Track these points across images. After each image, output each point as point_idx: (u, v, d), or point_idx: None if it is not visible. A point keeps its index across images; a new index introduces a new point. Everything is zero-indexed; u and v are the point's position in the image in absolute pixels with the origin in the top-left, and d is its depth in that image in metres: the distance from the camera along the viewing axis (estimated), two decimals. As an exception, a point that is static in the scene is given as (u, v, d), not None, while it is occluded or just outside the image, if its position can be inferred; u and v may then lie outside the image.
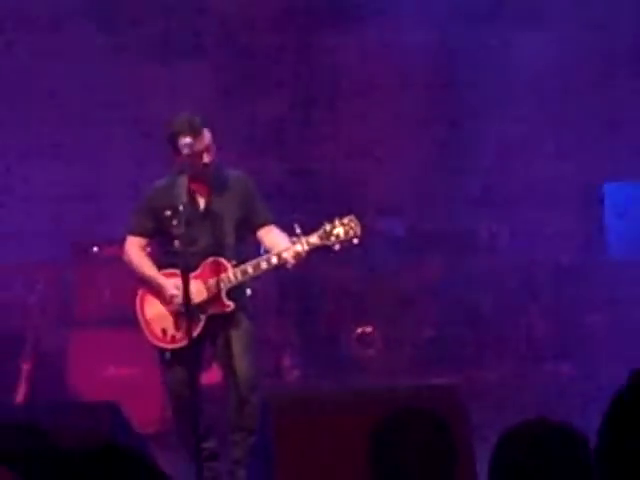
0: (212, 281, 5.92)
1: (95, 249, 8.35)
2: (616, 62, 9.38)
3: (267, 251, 5.93)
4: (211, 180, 6.01)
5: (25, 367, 8.07)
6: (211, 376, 6.36)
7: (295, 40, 9.60)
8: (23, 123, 9.14)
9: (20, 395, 7.93)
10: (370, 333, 8.90)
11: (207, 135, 5.91)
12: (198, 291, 5.87)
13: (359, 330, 8.89)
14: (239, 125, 8.47)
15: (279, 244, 5.86)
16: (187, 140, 5.83)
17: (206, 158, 5.90)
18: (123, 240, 6.25)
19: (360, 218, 5.96)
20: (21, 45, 9.29)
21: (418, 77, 9.43)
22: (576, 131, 9.02)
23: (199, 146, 5.86)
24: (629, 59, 9.46)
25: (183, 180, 5.93)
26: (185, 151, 5.82)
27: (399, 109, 9.42)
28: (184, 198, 5.88)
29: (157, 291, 6.02)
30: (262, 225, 6.02)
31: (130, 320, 6.28)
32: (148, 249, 6.15)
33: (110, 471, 2.07)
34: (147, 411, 6.81)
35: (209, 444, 6.00)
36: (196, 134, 5.85)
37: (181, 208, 5.79)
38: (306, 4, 9.66)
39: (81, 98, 9.11)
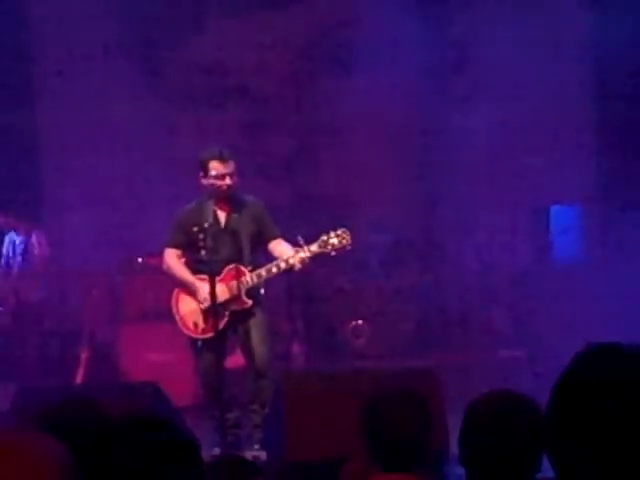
0: (233, 283, 5.93)
1: (140, 260, 8.39)
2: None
3: (276, 259, 5.95)
4: (231, 203, 6.04)
5: (83, 355, 8.08)
6: (234, 360, 6.35)
7: (298, 89, 9.58)
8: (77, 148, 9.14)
9: (79, 377, 7.94)
10: (361, 326, 8.88)
11: (232, 164, 5.94)
12: (222, 292, 5.89)
13: (352, 323, 8.88)
14: (255, 159, 8.44)
15: (285, 253, 5.90)
16: (216, 164, 5.89)
17: (229, 181, 5.92)
18: (161, 253, 6.27)
19: (351, 231, 5.99)
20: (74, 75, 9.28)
21: (397, 118, 9.40)
22: (527, 167, 9.00)
23: (225, 170, 5.89)
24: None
25: (209, 203, 5.99)
26: (213, 173, 5.87)
27: (383, 145, 9.40)
28: (209, 217, 5.92)
29: (191, 292, 6.03)
30: (272, 238, 6.05)
31: (167, 316, 6.30)
32: (182, 259, 6.16)
33: (148, 437, 2.06)
34: (182, 388, 6.80)
35: (232, 414, 6.04)
36: (224, 161, 5.91)
37: (206, 225, 5.84)
38: (306, 59, 9.65)
39: (140, 135, 9.11)
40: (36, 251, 8.58)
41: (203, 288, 5.92)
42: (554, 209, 9.09)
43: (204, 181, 5.97)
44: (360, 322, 8.89)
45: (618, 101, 8.98)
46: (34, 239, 8.59)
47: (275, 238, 6.04)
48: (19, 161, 9.01)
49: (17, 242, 8.65)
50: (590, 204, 9.17)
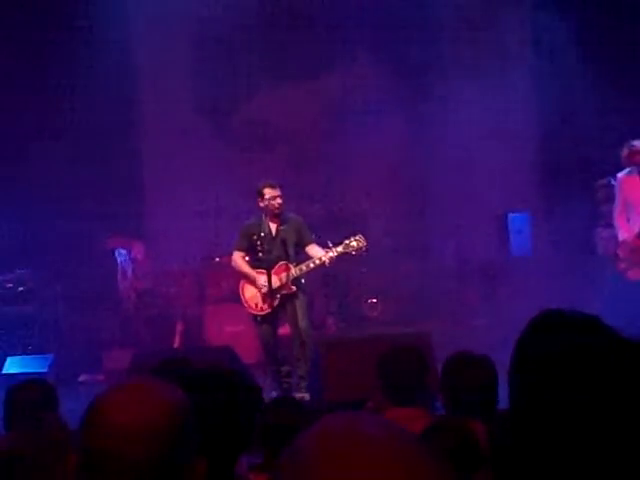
0: (283, 275, 5.94)
1: (217, 259, 8.41)
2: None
3: (311, 258, 5.96)
4: (279, 218, 6.04)
5: (178, 327, 8.11)
6: (284, 330, 6.36)
7: (325, 137, 9.59)
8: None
9: (176, 343, 7.97)
10: (375, 303, 8.86)
11: (279, 190, 5.95)
12: (275, 281, 5.90)
13: (369, 301, 8.86)
14: (293, 188, 8.43)
15: (318, 253, 5.90)
16: (269, 190, 5.90)
17: (279, 201, 5.93)
18: (231, 254, 6.31)
19: (365, 237, 5.99)
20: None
21: (395, 155, 9.41)
22: (491, 186, 8.91)
23: (275, 194, 5.90)
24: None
25: (264, 219, 5.99)
26: (267, 196, 5.89)
27: (385, 175, 9.43)
28: (265, 229, 5.94)
29: (252, 281, 6.04)
30: (308, 243, 6.05)
31: (237, 299, 6.32)
32: (246, 258, 6.18)
33: (227, 383, 2.07)
34: (249, 350, 6.81)
35: (284, 368, 6.04)
36: (274, 187, 5.91)
37: (262, 235, 5.86)
38: (330, 115, 9.67)
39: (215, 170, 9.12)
40: (139, 257, 8.62)
41: (261, 278, 5.94)
42: (511, 216, 8.98)
43: (261, 204, 5.98)
44: (374, 300, 8.88)
45: (558, 142, 8.89)
46: (135, 249, 8.61)
47: (310, 243, 6.06)
48: (130, 189, 9.08)
49: (123, 255, 8.68)
50: (536, 212, 9.10)
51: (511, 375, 1.36)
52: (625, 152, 6.75)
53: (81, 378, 7.50)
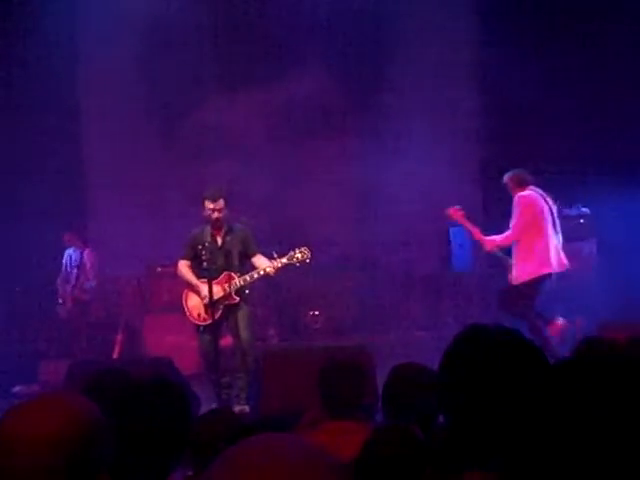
0: (226, 285, 5.88)
1: (160, 269, 8.30)
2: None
3: (256, 269, 5.92)
4: (223, 228, 5.99)
5: (118, 337, 7.97)
6: (226, 341, 6.29)
7: (275, 145, 9.59)
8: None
9: (115, 353, 7.83)
10: (318, 315, 8.85)
11: (220, 202, 5.87)
12: (218, 291, 5.83)
13: (311, 313, 8.84)
14: (240, 195, 8.37)
15: (263, 264, 5.86)
16: (208, 202, 5.85)
17: (217, 214, 5.86)
18: (175, 263, 6.24)
19: (309, 247, 5.99)
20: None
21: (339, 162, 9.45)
22: (433, 202, 9.01)
23: (213, 207, 5.85)
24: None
25: (208, 228, 5.93)
26: (206, 208, 5.85)
27: (332, 184, 9.46)
28: (209, 238, 5.88)
29: (195, 291, 5.97)
30: (253, 254, 6.00)
31: (178, 309, 6.24)
32: (190, 268, 6.11)
33: (160, 393, 2.04)
34: (189, 361, 6.71)
35: (225, 379, 5.95)
36: (214, 200, 5.84)
37: (206, 244, 5.80)
38: (282, 122, 9.67)
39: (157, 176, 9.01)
40: (88, 265, 8.46)
41: (204, 288, 5.88)
42: (452, 230, 9.03)
43: (203, 213, 5.94)
44: (317, 312, 8.86)
45: (501, 158, 9.00)
46: (86, 255, 8.48)
47: (256, 254, 6.02)
48: (74, 195, 8.91)
49: (73, 256, 8.54)
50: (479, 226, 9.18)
51: (439, 383, 1.45)
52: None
53: (15, 389, 7.29)
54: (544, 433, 1.03)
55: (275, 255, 5.87)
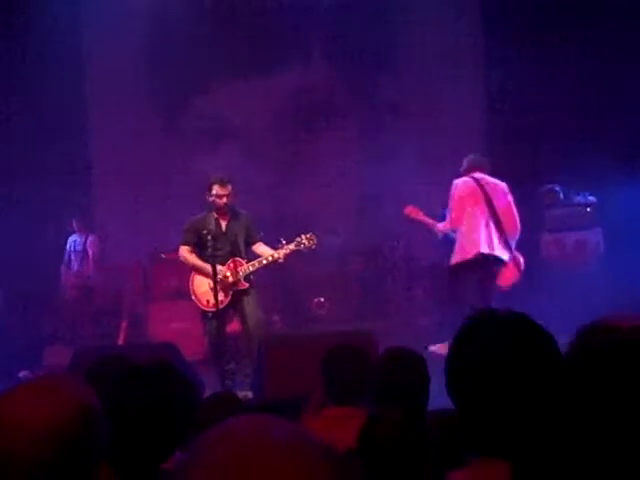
0: (235, 271, 5.88)
1: (164, 255, 8.29)
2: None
3: (258, 257, 5.91)
4: (228, 214, 5.98)
5: (123, 324, 7.99)
6: (231, 327, 6.29)
7: (279, 134, 9.58)
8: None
9: (120, 340, 7.85)
10: (323, 302, 8.86)
11: (229, 187, 5.87)
12: (228, 277, 5.85)
13: (316, 300, 8.85)
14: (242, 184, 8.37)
15: (265, 252, 5.87)
16: (217, 187, 5.83)
17: (225, 200, 5.86)
18: (177, 249, 6.21)
19: (316, 235, 5.99)
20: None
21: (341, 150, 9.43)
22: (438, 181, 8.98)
23: (222, 192, 5.83)
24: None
25: (212, 214, 5.92)
26: (214, 193, 5.83)
27: (335, 171, 9.45)
28: (213, 224, 5.86)
29: (205, 274, 5.94)
30: (255, 242, 6.02)
31: (182, 295, 6.24)
32: (193, 253, 6.10)
33: (163, 377, 2.04)
34: (193, 348, 6.71)
35: (230, 366, 5.95)
36: (223, 185, 5.84)
37: (212, 229, 5.79)
38: (284, 113, 9.64)
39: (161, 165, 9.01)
40: (90, 251, 8.49)
41: (212, 271, 5.87)
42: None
43: (209, 198, 5.92)
44: (322, 299, 8.87)
45: (507, 142, 8.97)
46: (89, 242, 8.50)
47: (257, 242, 6.04)
48: (78, 183, 8.92)
49: (77, 242, 8.56)
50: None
51: (447, 371, 1.42)
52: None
53: (21, 374, 7.32)
54: (558, 422, 1.01)
55: (283, 241, 5.86)
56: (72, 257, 8.51)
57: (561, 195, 8.39)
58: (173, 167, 9.01)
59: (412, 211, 6.94)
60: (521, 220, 7.59)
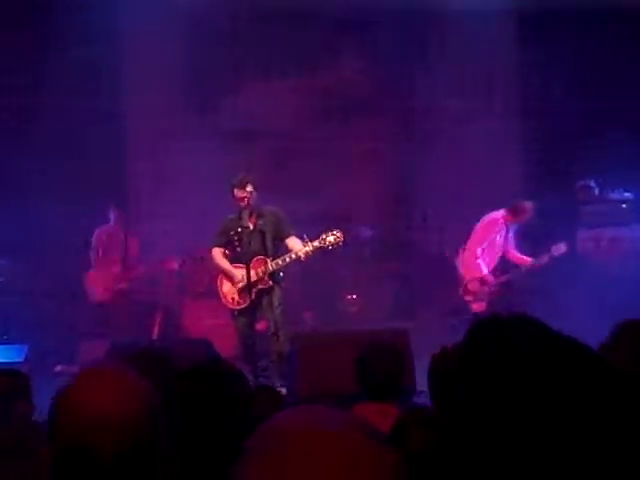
0: (259, 269, 5.91)
1: (199, 255, 8.31)
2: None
3: (290, 251, 5.92)
4: (256, 213, 6.00)
5: (157, 319, 8.06)
6: (261, 325, 6.31)
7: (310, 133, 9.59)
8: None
9: (155, 334, 7.93)
10: (354, 299, 8.85)
11: (248, 188, 5.88)
12: (251, 275, 5.87)
13: (348, 297, 8.84)
14: (276, 183, 8.36)
15: (296, 247, 5.87)
16: (236, 190, 5.88)
17: (246, 201, 5.89)
18: (210, 250, 6.27)
19: (347, 233, 5.99)
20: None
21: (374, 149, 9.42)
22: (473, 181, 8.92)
23: (241, 194, 5.86)
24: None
25: (243, 213, 5.95)
26: (235, 195, 5.88)
27: (368, 171, 9.44)
28: (243, 223, 5.91)
29: (230, 277, 6.01)
30: (287, 236, 6.02)
31: (214, 293, 6.28)
32: (225, 252, 6.14)
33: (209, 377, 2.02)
34: (227, 344, 6.73)
35: (262, 363, 5.99)
36: (241, 187, 5.86)
37: (239, 229, 5.85)
38: (315, 113, 9.64)
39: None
40: (132, 253, 8.47)
41: (239, 273, 5.93)
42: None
43: (234, 201, 5.98)
44: (354, 296, 8.86)
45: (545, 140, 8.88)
46: (130, 243, 8.44)
47: (290, 236, 6.02)
48: (114, 182, 8.99)
49: (112, 238, 8.50)
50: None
51: (456, 380, 1.36)
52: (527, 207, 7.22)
53: (57, 369, 7.44)
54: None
55: (306, 238, 5.85)
56: (108, 256, 8.45)
57: (596, 191, 8.29)
58: (209, 165, 9.06)
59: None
60: (557, 215, 7.64)
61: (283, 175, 9.03)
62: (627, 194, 8.23)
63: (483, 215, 7.54)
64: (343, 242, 5.91)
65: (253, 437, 0.85)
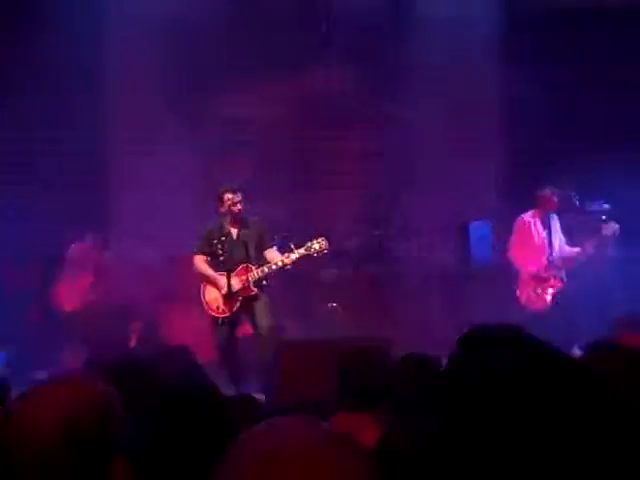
0: (244, 277, 5.92)
1: (178, 258, 8.26)
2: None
3: (269, 262, 5.93)
4: (240, 222, 6.02)
5: (136, 325, 8.03)
6: (243, 330, 6.30)
7: (295, 137, 9.60)
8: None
9: (133, 341, 7.88)
10: (336, 307, 8.84)
11: (240, 195, 5.92)
12: (236, 283, 5.86)
13: (329, 305, 8.83)
14: (259, 187, 8.37)
15: (275, 257, 5.89)
16: (229, 195, 5.87)
17: (239, 206, 5.90)
18: (192, 253, 6.25)
19: (330, 240, 6.01)
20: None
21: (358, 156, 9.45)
22: (454, 196, 9.00)
23: (235, 199, 5.88)
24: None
25: (223, 223, 5.96)
26: (227, 202, 5.86)
27: (351, 177, 9.46)
28: (225, 232, 5.91)
29: (214, 284, 6.00)
30: (267, 248, 6.05)
31: (194, 299, 6.27)
32: (207, 260, 6.14)
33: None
34: (207, 348, 6.67)
35: (241, 369, 6.00)
36: (234, 193, 5.88)
37: (223, 238, 5.84)
38: (300, 115, 9.66)
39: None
40: (107, 270, 8.37)
41: (223, 281, 5.91)
42: (473, 224, 9.03)
43: (221, 209, 5.95)
44: (335, 304, 8.86)
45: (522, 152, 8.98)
46: (105, 260, 8.37)
47: (269, 248, 6.09)
48: (95, 184, 8.94)
49: (89, 255, 8.39)
50: (499, 221, 9.12)
51: (443, 392, 1.35)
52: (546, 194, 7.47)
53: (38, 375, 7.37)
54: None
55: (292, 246, 5.89)
56: (76, 268, 8.31)
57: (577, 202, 8.35)
58: (190, 170, 9.03)
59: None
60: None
61: (265, 179, 9.03)
62: (606, 205, 8.30)
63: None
64: (327, 250, 5.97)
65: (234, 449, 0.85)
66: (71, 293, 8.24)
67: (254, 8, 9.48)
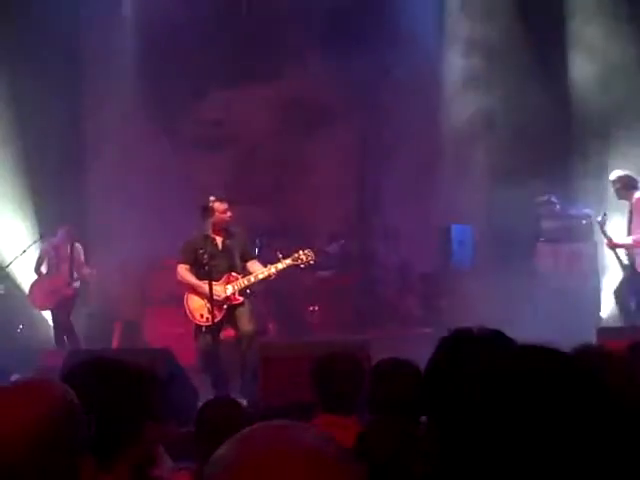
0: (230, 285, 5.94)
1: (159, 261, 8.24)
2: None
3: (251, 273, 6.01)
4: (225, 232, 6.05)
5: (117, 328, 7.99)
6: (226, 334, 6.28)
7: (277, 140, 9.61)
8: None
9: (114, 343, 7.85)
10: (316, 310, 8.86)
11: (226, 203, 5.99)
12: (221, 291, 5.90)
13: (310, 308, 8.85)
14: (240, 191, 8.39)
15: (258, 269, 5.95)
16: (218, 204, 5.93)
17: (229, 214, 5.97)
18: (174, 257, 6.26)
19: (311, 244, 6.06)
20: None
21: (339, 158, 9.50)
22: (437, 199, 9.04)
23: (224, 207, 5.93)
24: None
25: (207, 233, 5.98)
26: (218, 211, 5.91)
27: (333, 180, 9.49)
28: (209, 243, 5.94)
29: (198, 292, 6.00)
30: (249, 259, 6.10)
31: (176, 302, 6.27)
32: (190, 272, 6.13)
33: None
34: (190, 352, 6.64)
35: (222, 374, 5.99)
36: (222, 202, 5.94)
37: (208, 248, 5.86)
38: (281, 120, 9.67)
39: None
40: (78, 257, 8.22)
41: (207, 288, 5.91)
42: (454, 227, 9.04)
43: (210, 219, 5.95)
44: (316, 307, 8.87)
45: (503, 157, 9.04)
46: (77, 248, 8.21)
47: (251, 259, 6.16)
48: (72, 187, 8.91)
49: (60, 248, 8.22)
50: (480, 225, 9.18)
51: (424, 389, 1.37)
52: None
53: (13, 377, 7.29)
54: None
55: (280, 256, 5.97)
56: (55, 264, 8.18)
57: (558, 206, 8.42)
58: (171, 173, 9.01)
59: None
60: (518, 230, 7.68)
61: (245, 182, 9.04)
62: (587, 210, 8.37)
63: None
64: (313, 261, 6.06)
65: (220, 453, 0.85)
66: (46, 289, 8.09)
67: (237, 13, 9.48)
